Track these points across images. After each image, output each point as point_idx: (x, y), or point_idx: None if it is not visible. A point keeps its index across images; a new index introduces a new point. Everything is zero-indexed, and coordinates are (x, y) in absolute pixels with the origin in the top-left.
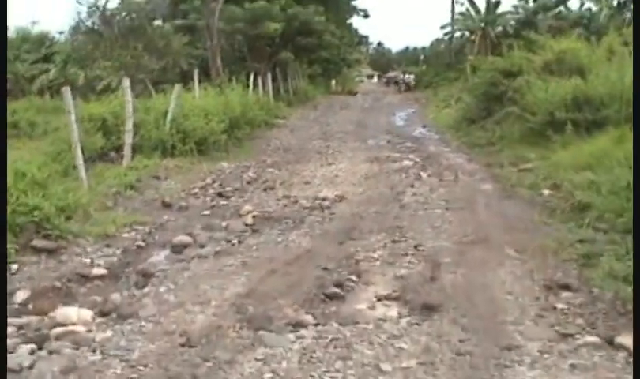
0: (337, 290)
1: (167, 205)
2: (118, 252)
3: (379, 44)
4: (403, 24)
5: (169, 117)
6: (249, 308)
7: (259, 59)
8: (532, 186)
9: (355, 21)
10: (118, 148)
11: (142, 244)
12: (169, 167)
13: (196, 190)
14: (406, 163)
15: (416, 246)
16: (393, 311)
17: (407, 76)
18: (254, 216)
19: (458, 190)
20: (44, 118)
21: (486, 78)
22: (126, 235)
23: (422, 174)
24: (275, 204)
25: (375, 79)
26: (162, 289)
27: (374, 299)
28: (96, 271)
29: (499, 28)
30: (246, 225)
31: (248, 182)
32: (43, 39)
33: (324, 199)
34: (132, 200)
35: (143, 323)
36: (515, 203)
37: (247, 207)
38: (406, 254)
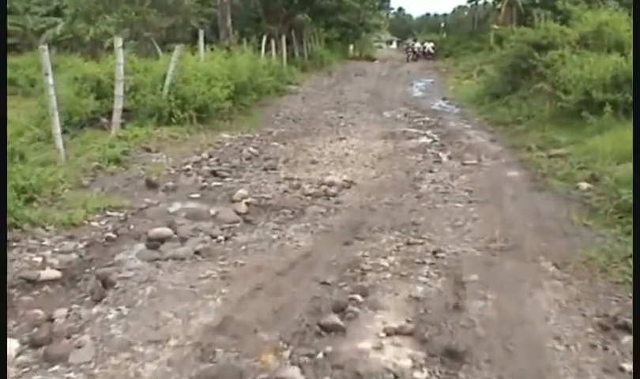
0: (337, 319)
1: (152, 185)
2: (81, 246)
3: (400, 9)
4: None
5: (167, 81)
6: (217, 352)
7: (274, 21)
8: (566, 177)
9: None
10: (112, 113)
11: (113, 236)
12: (162, 138)
13: (188, 167)
14: (424, 140)
15: (434, 252)
16: (405, 357)
17: (418, 44)
18: (248, 203)
19: (482, 177)
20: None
21: (514, 50)
22: (95, 224)
23: (441, 155)
24: (274, 188)
25: (394, 45)
26: (112, 314)
27: (383, 334)
28: (47, 273)
29: None
30: (239, 214)
31: (248, 159)
32: None
33: (330, 184)
34: (113, 177)
35: (71, 374)
36: (548, 197)
37: (242, 191)
38: (423, 263)
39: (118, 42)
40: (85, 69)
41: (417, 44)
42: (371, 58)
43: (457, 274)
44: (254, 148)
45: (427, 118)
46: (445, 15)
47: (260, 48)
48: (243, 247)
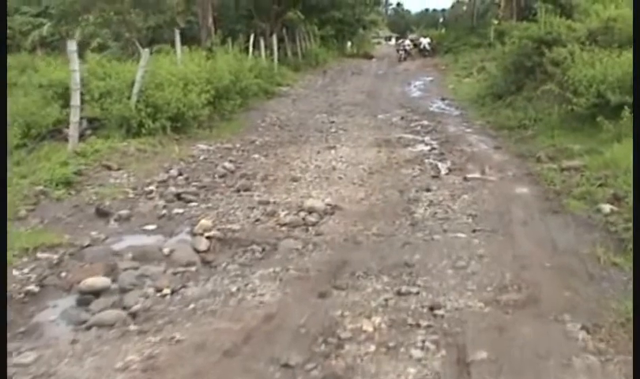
0: None
1: (102, 213)
2: None
3: (398, 5)
4: None
5: (135, 88)
6: None
7: (265, 19)
8: (584, 195)
9: None
10: (79, 122)
11: (35, 289)
12: (128, 152)
13: (151, 188)
14: (421, 148)
15: (431, 308)
16: None
17: (408, 42)
18: (210, 237)
19: (487, 196)
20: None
21: (517, 47)
22: (16, 273)
23: (440, 167)
24: (245, 215)
25: (393, 41)
26: None
27: None
28: None
29: None
30: (198, 252)
31: (222, 176)
32: None
33: (311, 210)
34: (58, 205)
35: None
36: (565, 223)
37: (206, 221)
38: (417, 326)
39: (72, 46)
40: (51, 74)
41: (407, 41)
42: (369, 56)
43: (461, 345)
44: (231, 162)
45: (425, 122)
46: (443, 10)
47: (247, 48)
48: (192, 305)
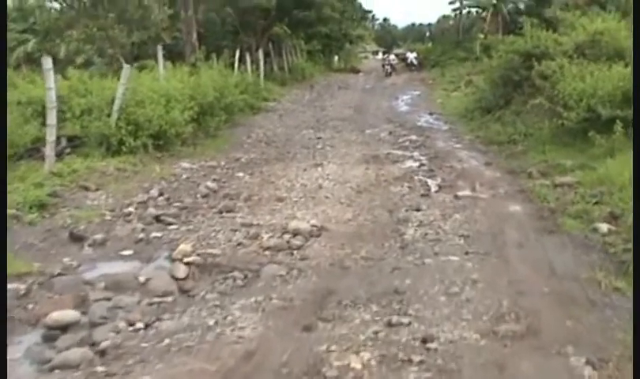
0: None
1: (76, 238)
2: None
3: (385, 20)
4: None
5: (116, 105)
6: None
7: (251, 34)
8: (579, 214)
9: None
10: (58, 141)
11: None
12: (107, 171)
13: (130, 209)
14: (410, 164)
15: (424, 340)
16: None
17: (392, 56)
18: (189, 263)
19: (479, 216)
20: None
21: (504, 61)
22: None
23: (430, 184)
24: (226, 239)
25: (380, 55)
26: None
27: None
28: None
29: (510, 5)
30: (176, 280)
31: (204, 196)
32: (34, 8)
33: (295, 232)
34: (30, 230)
35: None
36: (561, 243)
37: (185, 245)
38: (409, 361)
39: (47, 63)
40: (30, 91)
41: (392, 56)
42: (356, 70)
43: None
44: (215, 181)
45: (414, 137)
46: (429, 25)
47: (233, 63)
48: (166, 341)
